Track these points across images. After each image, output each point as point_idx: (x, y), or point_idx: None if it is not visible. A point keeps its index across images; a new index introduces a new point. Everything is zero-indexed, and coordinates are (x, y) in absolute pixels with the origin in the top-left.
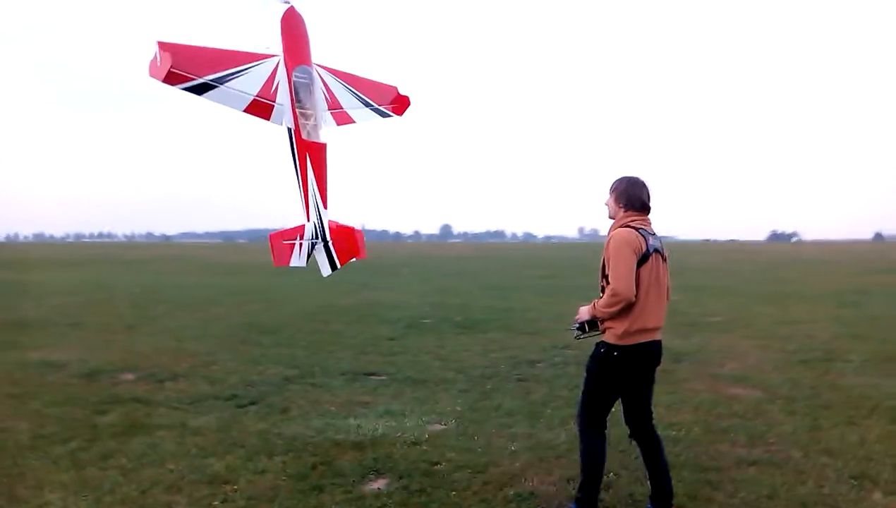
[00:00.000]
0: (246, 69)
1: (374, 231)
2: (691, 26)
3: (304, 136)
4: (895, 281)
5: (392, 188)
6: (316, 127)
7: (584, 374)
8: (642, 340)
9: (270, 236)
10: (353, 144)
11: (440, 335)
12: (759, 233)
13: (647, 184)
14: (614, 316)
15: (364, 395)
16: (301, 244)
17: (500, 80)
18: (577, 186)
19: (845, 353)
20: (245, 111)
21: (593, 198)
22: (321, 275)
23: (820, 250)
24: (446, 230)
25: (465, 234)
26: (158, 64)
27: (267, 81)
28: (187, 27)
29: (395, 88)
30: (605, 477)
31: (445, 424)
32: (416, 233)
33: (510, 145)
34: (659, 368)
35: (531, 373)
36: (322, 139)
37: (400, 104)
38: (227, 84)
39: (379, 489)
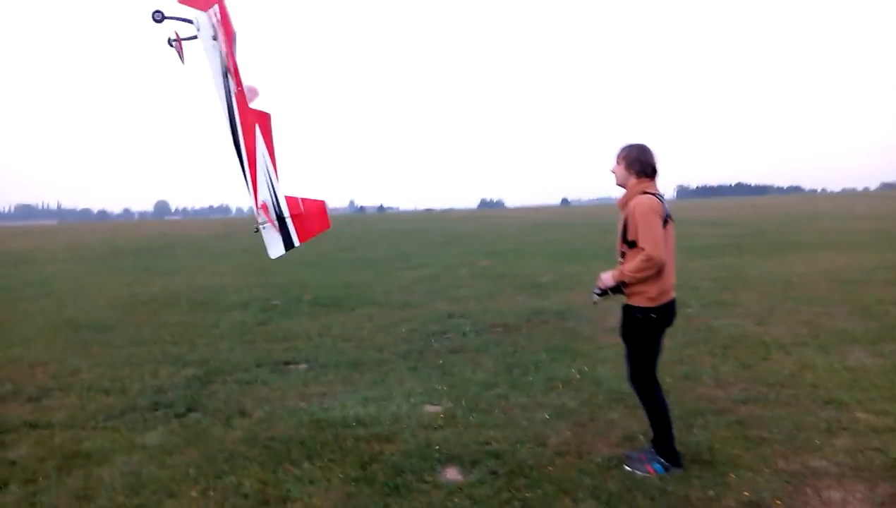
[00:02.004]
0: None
1: (73, 210)
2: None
3: (249, 105)
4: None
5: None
6: (249, 97)
7: (624, 342)
8: (669, 299)
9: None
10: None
11: (311, 316)
12: (471, 201)
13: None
14: (644, 280)
15: (311, 385)
16: (264, 223)
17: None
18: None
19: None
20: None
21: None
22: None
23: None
24: (162, 207)
25: (185, 211)
26: None
27: (224, 37)
28: None
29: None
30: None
31: (440, 404)
32: (127, 210)
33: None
34: (564, 326)
35: (458, 345)
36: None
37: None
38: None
39: (456, 479)
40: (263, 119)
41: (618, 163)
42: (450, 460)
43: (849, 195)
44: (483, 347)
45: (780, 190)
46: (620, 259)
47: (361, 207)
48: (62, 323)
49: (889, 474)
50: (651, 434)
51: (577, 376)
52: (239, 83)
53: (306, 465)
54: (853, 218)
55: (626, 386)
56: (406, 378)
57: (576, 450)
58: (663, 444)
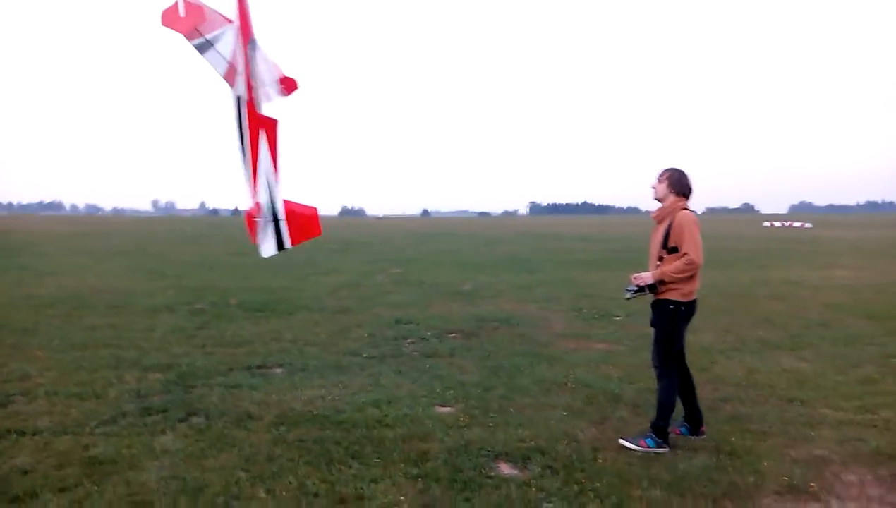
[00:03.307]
0: (223, 32)
1: None
2: None
3: (258, 110)
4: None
5: None
6: (261, 102)
7: (654, 330)
8: (694, 297)
9: (246, 213)
10: None
11: (252, 321)
12: (333, 209)
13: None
14: (682, 280)
15: (303, 389)
16: (259, 222)
17: None
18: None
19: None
20: (224, 77)
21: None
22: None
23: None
24: None
25: (10, 205)
26: (182, 15)
27: (233, 48)
28: None
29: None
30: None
31: (450, 406)
32: None
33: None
34: (518, 332)
35: (429, 350)
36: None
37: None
38: (216, 46)
39: (515, 474)
40: (270, 124)
41: (660, 181)
42: (497, 457)
43: None
44: (455, 351)
45: (620, 210)
46: (658, 262)
47: (215, 209)
48: None
49: (878, 459)
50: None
51: (564, 379)
52: (249, 88)
53: (356, 465)
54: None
55: (618, 387)
56: (400, 381)
57: (609, 445)
58: (661, 421)
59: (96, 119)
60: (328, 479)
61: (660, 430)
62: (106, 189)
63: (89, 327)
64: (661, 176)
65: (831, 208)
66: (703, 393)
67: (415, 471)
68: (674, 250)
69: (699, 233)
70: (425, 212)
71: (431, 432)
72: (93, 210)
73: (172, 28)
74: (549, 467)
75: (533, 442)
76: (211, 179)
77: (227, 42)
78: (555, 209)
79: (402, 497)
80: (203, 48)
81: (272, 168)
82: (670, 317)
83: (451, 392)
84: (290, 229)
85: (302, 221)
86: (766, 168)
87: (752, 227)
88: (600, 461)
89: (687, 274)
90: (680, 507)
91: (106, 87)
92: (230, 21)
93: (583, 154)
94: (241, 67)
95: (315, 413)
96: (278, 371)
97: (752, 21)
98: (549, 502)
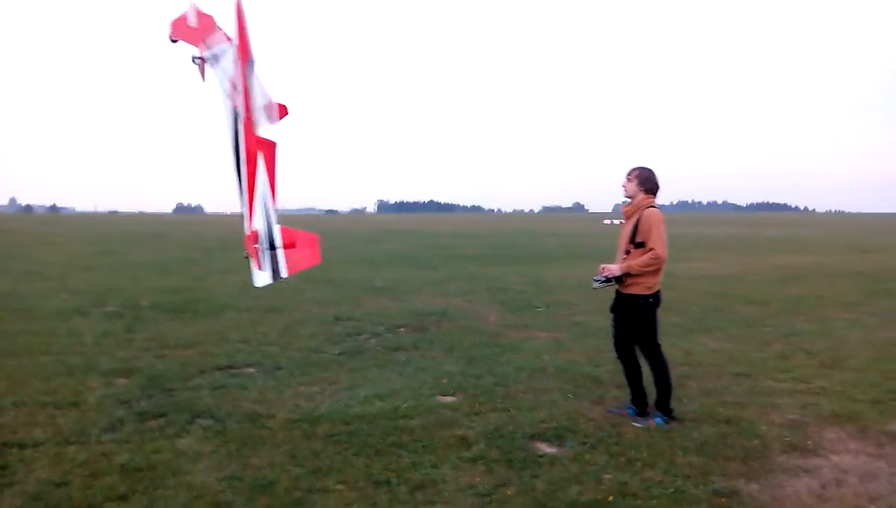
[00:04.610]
0: (225, 49)
1: None
2: None
3: (255, 132)
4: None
5: None
6: (259, 124)
7: (631, 324)
8: (659, 288)
9: (246, 238)
10: None
11: (182, 322)
12: (167, 206)
13: None
14: (647, 274)
15: (295, 387)
16: (257, 249)
17: None
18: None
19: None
20: (225, 95)
21: None
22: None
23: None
24: None
25: None
26: (193, 25)
27: (233, 66)
28: None
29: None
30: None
31: (452, 395)
32: None
33: None
34: (463, 325)
35: (392, 344)
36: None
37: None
38: (221, 61)
39: (558, 451)
40: (268, 147)
41: (629, 180)
42: (532, 438)
43: (518, 215)
44: (418, 345)
45: (464, 208)
46: (624, 256)
47: (28, 206)
48: None
49: (839, 420)
50: (655, 394)
51: (540, 365)
52: (247, 108)
53: (405, 453)
54: (553, 234)
55: (593, 370)
56: (387, 374)
57: (622, 422)
58: (665, 402)
59: None
60: (391, 468)
61: (666, 410)
62: None
63: (14, 332)
64: (630, 174)
65: None
66: None
67: (467, 454)
68: (640, 245)
69: (664, 230)
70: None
71: (454, 419)
72: None
73: (182, 39)
74: (585, 443)
75: (555, 423)
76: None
77: (229, 59)
78: (402, 207)
79: (476, 479)
80: (210, 62)
81: (270, 193)
82: (644, 311)
83: (445, 382)
84: (287, 257)
85: (301, 249)
86: (593, 170)
87: (596, 225)
88: (628, 435)
89: (652, 268)
90: (721, 469)
91: None
92: (230, 39)
93: (428, 152)
94: (240, 87)
95: (324, 409)
96: (251, 370)
97: (582, 26)
98: (607, 473)
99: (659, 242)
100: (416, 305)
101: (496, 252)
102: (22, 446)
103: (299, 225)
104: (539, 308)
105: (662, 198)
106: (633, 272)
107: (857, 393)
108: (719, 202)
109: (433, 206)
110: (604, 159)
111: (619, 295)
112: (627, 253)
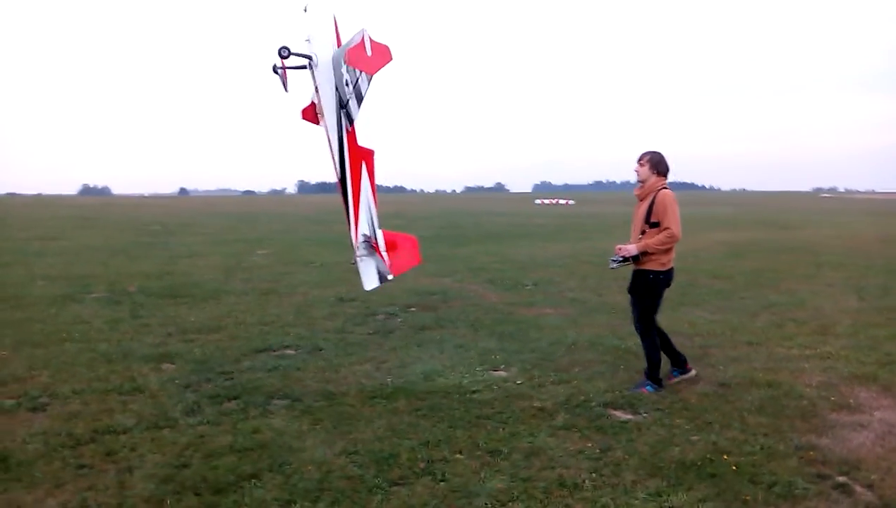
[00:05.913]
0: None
1: None
2: None
3: (358, 143)
4: None
5: None
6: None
7: (634, 298)
8: (671, 266)
9: (355, 243)
10: None
11: (188, 306)
12: (71, 188)
13: None
14: (662, 251)
15: (348, 366)
16: (362, 253)
17: None
18: None
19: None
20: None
21: None
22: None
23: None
24: None
25: None
26: (369, 55)
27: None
28: None
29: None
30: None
31: (504, 370)
32: None
33: None
34: (471, 303)
35: (420, 323)
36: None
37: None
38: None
39: (636, 417)
40: (368, 156)
41: (641, 165)
42: (606, 406)
43: (442, 195)
44: (442, 323)
45: (387, 189)
46: (640, 236)
47: None
48: None
49: (861, 380)
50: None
51: (569, 340)
52: (351, 122)
53: (495, 424)
54: (496, 214)
55: (621, 343)
56: (431, 352)
57: (674, 388)
58: (654, 372)
59: None
60: (495, 438)
61: (655, 379)
62: None
63: (19, 321)
64: (641, 159)
65: (567, 187)
66: (680, 341)
67: (558, 423)
68: (655, 225)
69: (678, 210)
70: (183, 191)
71: (524, 392)
72: None
73: (359, 67)
74: (658, 409)
75: (618, 392)
76: None
77: (364, 77)
78: (324, 188)
79: (587, 444)
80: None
81: (372, 198)
82: (651, 286)
83: (493, 357)
84: (391, 259)
85: (402, 250)
86: (513, 150)
87: (527, 205)
88: (692, 400)
89: (668, 246)
90: (790, 427)
91: None
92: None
93: None
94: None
95: (391, 386)
96: (291, 352)
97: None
98: (694, 435)
99: (674, 222)
100: (414, 285)
101: (444, 232)
102: (114, 432)
103: (216, 205)
104: (528, 285)
105: (585, 175)
106: (649, 250)
107: (860, 356)
108: (632, 182)
109: None
110: (523, 140)
111: (636, 273)
112: (643, 233)
